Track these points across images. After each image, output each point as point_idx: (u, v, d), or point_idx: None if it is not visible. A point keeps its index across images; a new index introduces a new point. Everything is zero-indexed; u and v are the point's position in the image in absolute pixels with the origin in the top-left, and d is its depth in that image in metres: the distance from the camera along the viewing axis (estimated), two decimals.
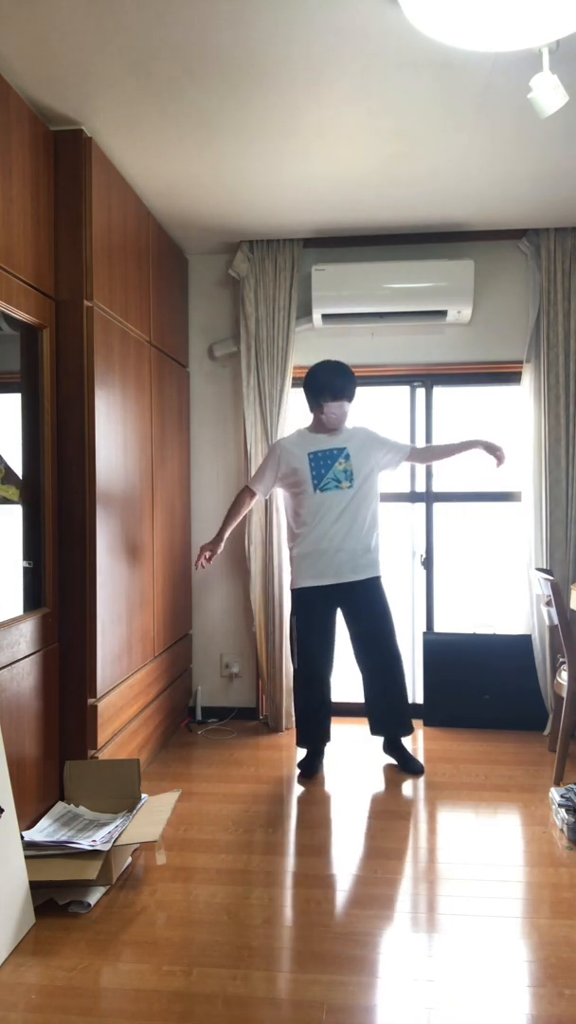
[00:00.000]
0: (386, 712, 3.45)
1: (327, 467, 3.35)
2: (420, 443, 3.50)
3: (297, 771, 3.42)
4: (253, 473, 3.67)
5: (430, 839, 2.81)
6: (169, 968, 2.05)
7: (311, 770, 3.40)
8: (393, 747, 3.49)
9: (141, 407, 3.39)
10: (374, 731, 3.51)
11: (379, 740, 3.56)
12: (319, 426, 3.41)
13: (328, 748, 3.59)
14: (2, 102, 2.42)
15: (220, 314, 4.21)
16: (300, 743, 3.49)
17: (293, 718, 3.97)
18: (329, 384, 3.32)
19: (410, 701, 3.67)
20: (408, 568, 4.24)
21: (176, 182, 3.29)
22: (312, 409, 3.42)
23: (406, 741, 3.55)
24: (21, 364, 2.76)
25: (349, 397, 3.36)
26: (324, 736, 3.49)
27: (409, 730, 3.49)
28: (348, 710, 4.14)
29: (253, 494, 3.51)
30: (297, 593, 3.42)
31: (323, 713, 3.46)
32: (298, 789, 3.27)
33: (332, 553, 3.32)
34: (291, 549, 3.44)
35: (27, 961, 2.08)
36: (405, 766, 3.44)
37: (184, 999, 1.92)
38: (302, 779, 3.37)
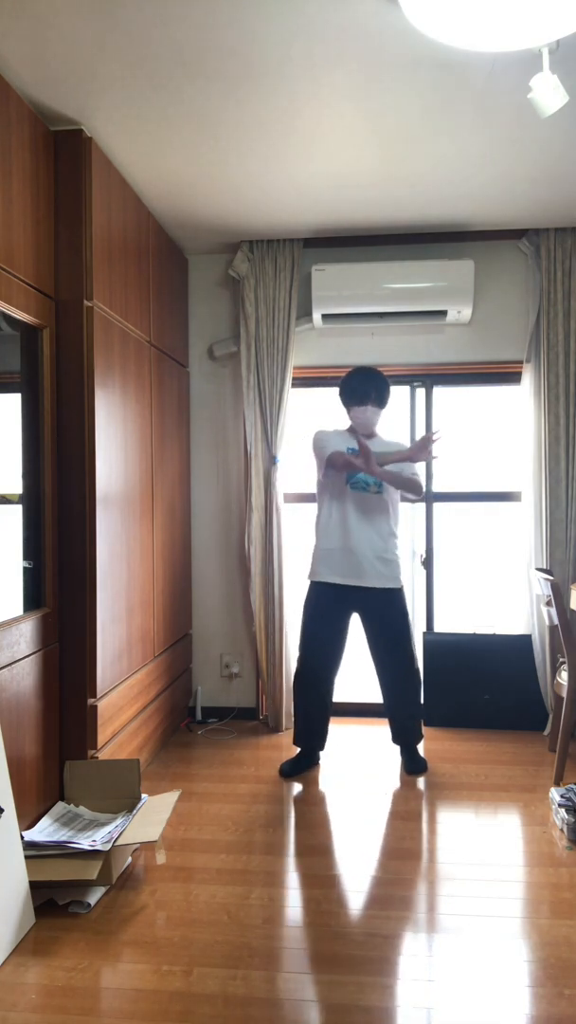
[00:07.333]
0: (401, 722, 3.48)
1: None
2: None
3: (284, 768, 3.44)
4: (317, 467, 3.47)
5: (430, 839, 2.81)
6: (169, 968, 2.05)
7: (290, 771, 3.41)
8: (404, 750, 3.52)
9: (141, 407, 3.39)
10: (395, 739, 3.53)
11: (387, 742, 3.58)
12: (354, 430, 3.44)
13: (328, 747, 3.58)
14: (2, 102, 2.42)
15: (220, 314, 4.21)
16: (295, 741, 3.50)
17: (293, 718, 3.97)
18: (353, 389, 3.37)
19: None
20: (408, 568, 4.23)
21: (176, 182, 3.29)
22: (347, 413, 3.45)
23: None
24: (21, 364, 2.76)
25: (375, 403, 3.36)
26: (316, 739, 3.47)
27: (420, 737, 3.53)
28: (349, 710, 4.15)
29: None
30: (313, 586, 3.41)
31: (317, 715, 3.44)
32: (297, 788, 3.27)
33: (355, 554, 3.31)
34: (315, 543, 3.44)
35: (27, 961, 2.08)
36: (409, 767, 3.44)
37: (184, 999, 1.92)
38: (282, 775, 3.40)
